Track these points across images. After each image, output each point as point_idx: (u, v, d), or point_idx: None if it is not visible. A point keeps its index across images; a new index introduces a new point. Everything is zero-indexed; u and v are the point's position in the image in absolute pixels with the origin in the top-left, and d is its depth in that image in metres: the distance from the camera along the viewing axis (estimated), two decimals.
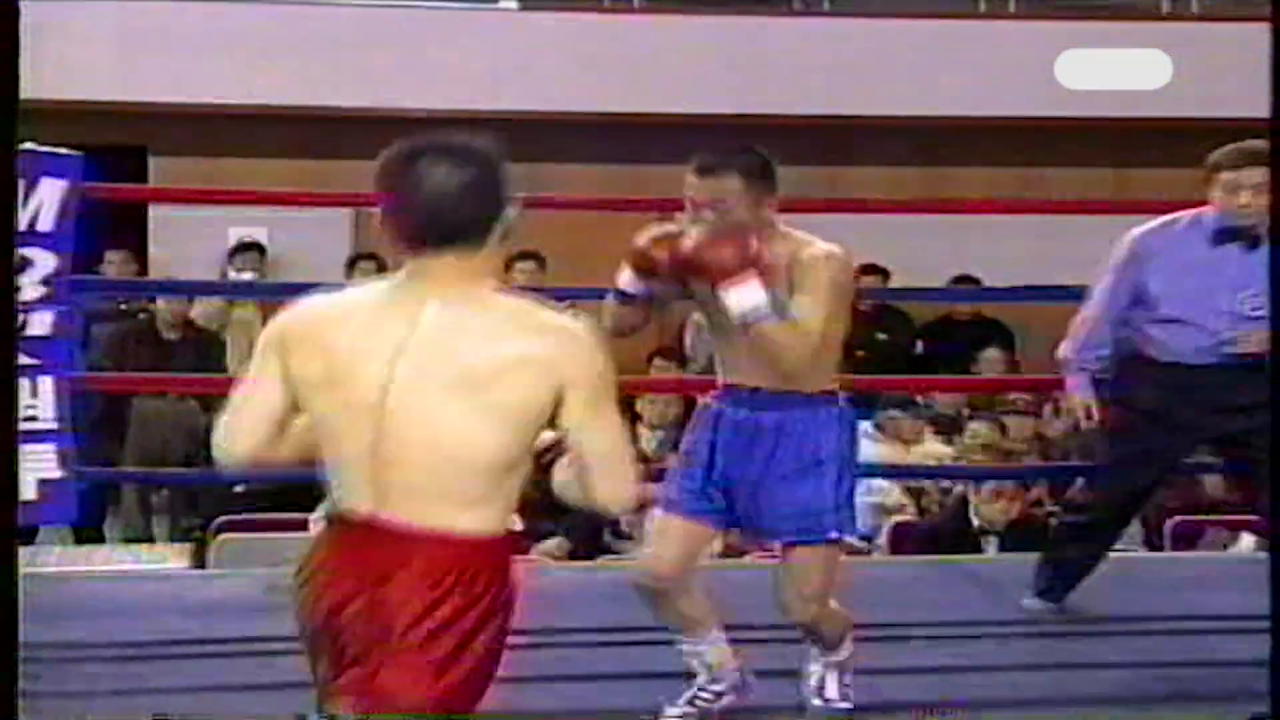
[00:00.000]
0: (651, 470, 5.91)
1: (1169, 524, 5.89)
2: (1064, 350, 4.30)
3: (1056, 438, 6.83)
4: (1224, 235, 4.03)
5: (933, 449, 6.50)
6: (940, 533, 5.57)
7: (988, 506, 5.60)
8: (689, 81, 8.24)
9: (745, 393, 3.26)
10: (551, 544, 5.63)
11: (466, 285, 2.18)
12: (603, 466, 2.19)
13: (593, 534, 5.80)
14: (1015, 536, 5.53)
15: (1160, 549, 5.81)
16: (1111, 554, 4.84)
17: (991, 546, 5.54)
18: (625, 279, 3.22)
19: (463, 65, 8.12)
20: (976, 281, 7.71)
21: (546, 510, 5.42)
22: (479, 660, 2.17)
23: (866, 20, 8.60)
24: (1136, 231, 4.16)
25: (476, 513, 2.17)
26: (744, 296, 3.05)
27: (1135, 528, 5.82)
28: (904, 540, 5.71)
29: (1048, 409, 7.00)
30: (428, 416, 2.13)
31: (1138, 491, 4.35)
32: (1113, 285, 4.17)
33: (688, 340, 7.67)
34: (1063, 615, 4.34)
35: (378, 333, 2.16)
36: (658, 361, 7.30)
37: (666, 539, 3.36)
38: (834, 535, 3.26)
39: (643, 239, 3.18)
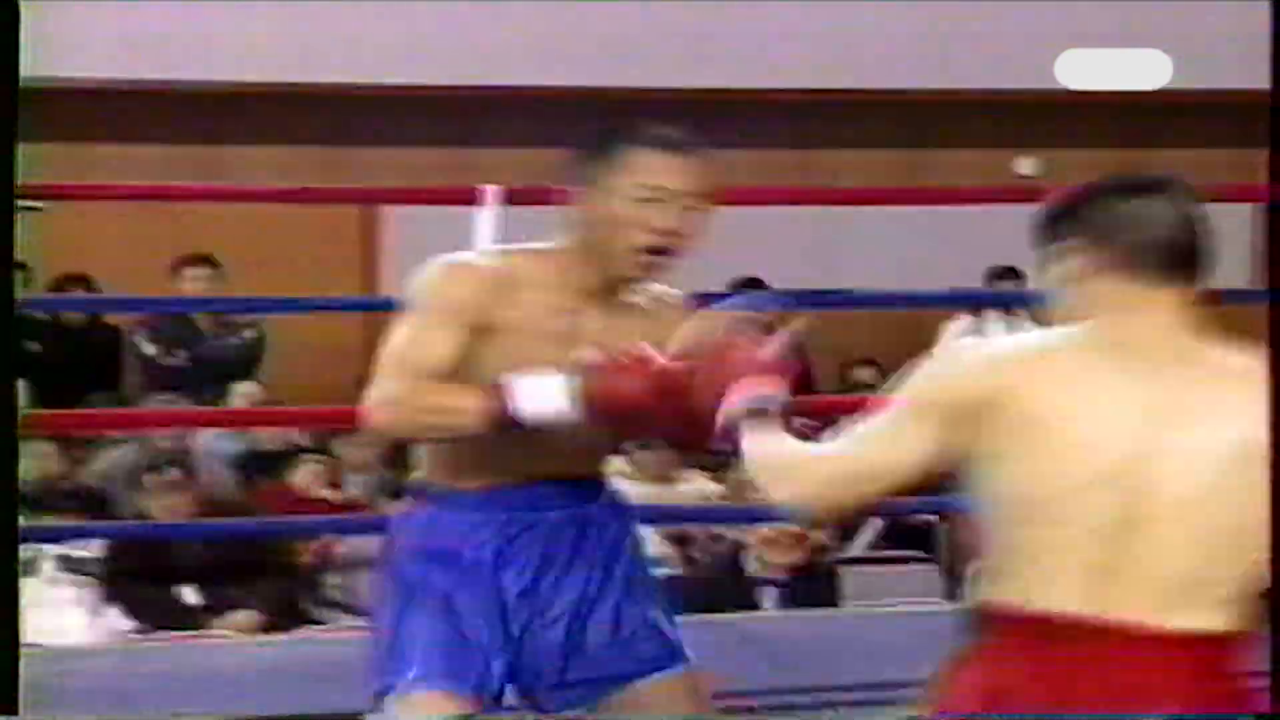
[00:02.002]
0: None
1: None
2: None
3: None
4: None
5: (699, 487, 6.76)
6: (711, 587, 5.82)
7: (764, 553, 5.88)
8: (522, 51, 8.47)
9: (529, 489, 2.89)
10: (240, 616, 5.82)
11: (1181, 330, 2.24)
12: None
13: (289, 602, 6.05)
14: (798, 589, 5.85)
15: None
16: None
17: (770, 600, 5.84)
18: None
19: (266, 33, 8.16)
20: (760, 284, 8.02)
21: (233, 576, 5.97)
22: None
23: None
24: None
25: (1229, 609, 2.18)
26: None
27: (936, 578, 6.36)
28: (669, 597, 5.87)
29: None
30: (1208, 494, 2.16)
31: None
32: None
33: None
34: (856, 682, 4.51)
35: (1109, 388, 2.19)
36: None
37: None
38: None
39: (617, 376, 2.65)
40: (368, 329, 7.98)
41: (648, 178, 2.74)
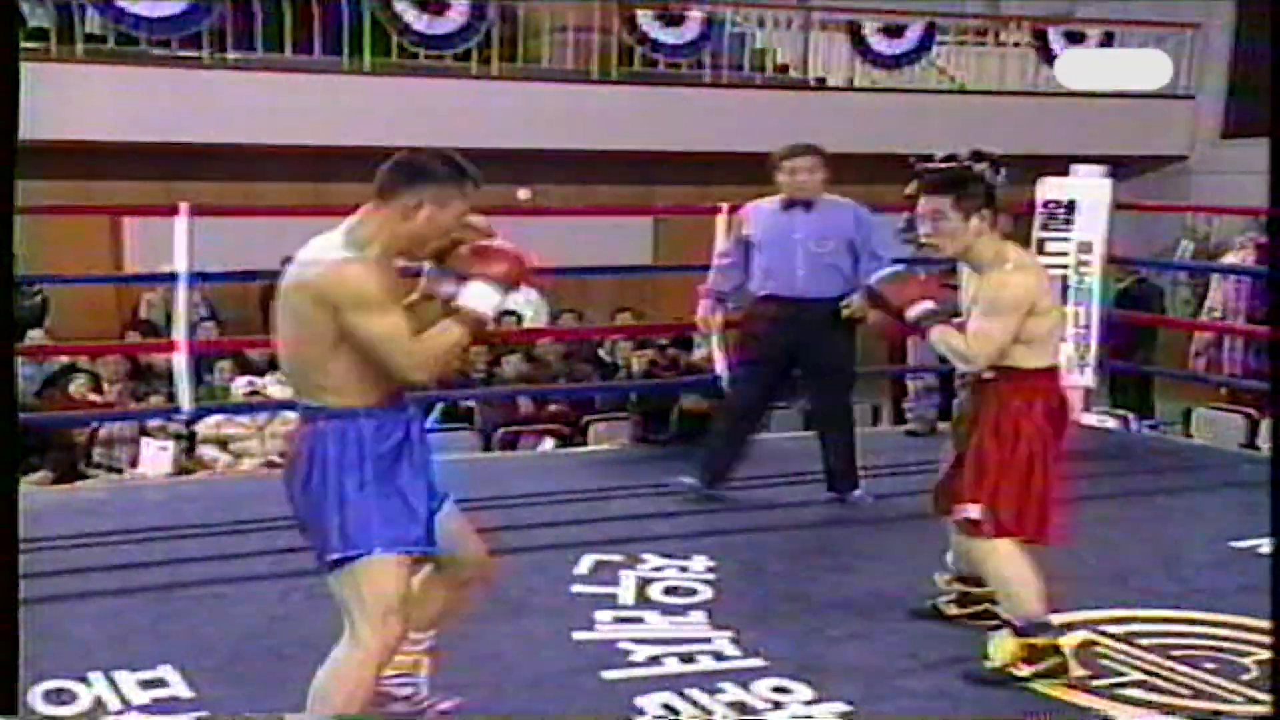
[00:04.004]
0: None
1: (498, 433, 8.18)
2: (703, 287, 6.10)
3: None
4: (790, 204, 5.91)
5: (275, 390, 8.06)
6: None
7: None
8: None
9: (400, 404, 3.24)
10: (37, 476, 6.96)
11: None
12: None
13: (70, 465, 7.28)
14: None
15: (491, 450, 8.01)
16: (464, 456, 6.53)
17: None
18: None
19: None
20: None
21: (32, 451, 6.96)
22: None
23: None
24: (745, 208, 6.07)
25: None
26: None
27: (475, 438, 7.85)
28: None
29: None
30: None
31: (763, 393, 6.03)
32: (730, 243, 6.12)
33: None
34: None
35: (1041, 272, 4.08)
36: (130, 334, 9.08)
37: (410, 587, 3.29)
38: None
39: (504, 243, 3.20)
40: (116, 294, 10.01)
41: (471, 205, 3.19)
